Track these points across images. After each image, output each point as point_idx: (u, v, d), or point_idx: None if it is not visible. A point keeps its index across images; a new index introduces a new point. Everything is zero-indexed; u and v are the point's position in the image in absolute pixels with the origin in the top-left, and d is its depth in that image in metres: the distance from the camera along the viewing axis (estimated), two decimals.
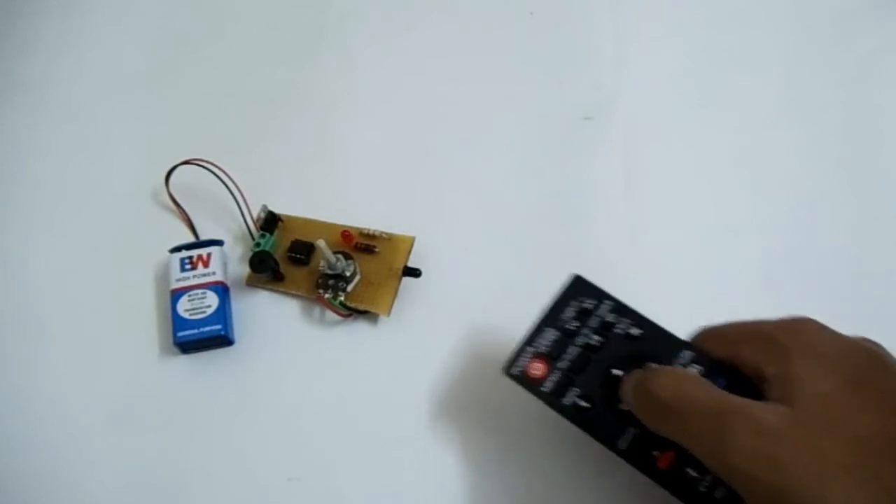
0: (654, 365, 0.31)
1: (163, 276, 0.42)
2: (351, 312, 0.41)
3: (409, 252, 0.42)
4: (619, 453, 0.31)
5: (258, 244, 0.42)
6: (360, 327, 0.41)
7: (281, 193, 0.44)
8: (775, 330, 0.30)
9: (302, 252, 0.42)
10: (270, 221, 0.43)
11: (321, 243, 0.39)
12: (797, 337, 0.29)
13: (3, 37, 0.51)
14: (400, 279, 0.41)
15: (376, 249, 0.42)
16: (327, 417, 0.39)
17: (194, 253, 0.42)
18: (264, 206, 0.43)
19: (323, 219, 0.43)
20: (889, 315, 0.39)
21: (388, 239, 0.42)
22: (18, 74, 0.50)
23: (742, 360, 0.30)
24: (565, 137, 0.46)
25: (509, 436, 0.38)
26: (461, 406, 0.39)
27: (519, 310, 0.37)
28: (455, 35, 0.50)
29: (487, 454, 0.38)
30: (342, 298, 0.40)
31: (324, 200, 0.44)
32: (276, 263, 0.42)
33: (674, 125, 0.46)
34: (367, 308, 0.41)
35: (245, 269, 0.42)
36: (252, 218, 0.43)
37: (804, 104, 0.46)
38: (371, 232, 0.42)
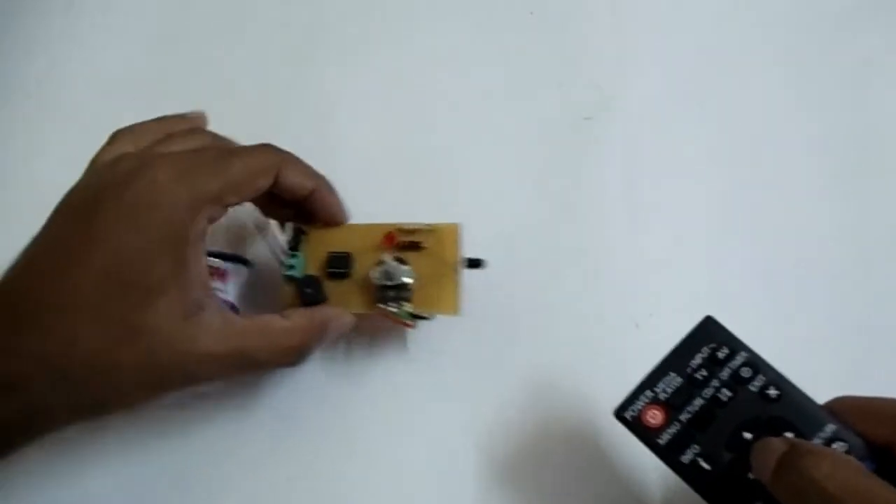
0: (799, 440, 0.28)
1: None
2: (415, 320, 0.38)
3: (459, 241, 0.39)
4: None
5: (291, 267, 0.37)
6: (426, 333, 0.38)
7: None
8: None
9: (342, 265, 0.38)
10: (297, 237, 0.38)
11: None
12: None
13: (3, 37, 0.51)
14: (459, 272, 0.38)
15: (423, 245, 0.38)
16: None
17: (211, 262, 0.37)
18: (290, 226, 0.38)
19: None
20: (889, 315, 0.40)
21: (431, 231, 0.38)
22: (18, 74, 0.50)
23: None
24: (565, 137, 0.46)
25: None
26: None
27: (517, 310, 0.41)
28: (455, 35, 0.50)
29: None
30: (409, 307, 0.37)
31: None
32: (321, 284, 0.37)
33: (674, 125, 0.46)
34: (434, 311, 0.38)
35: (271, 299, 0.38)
36: (275, 232, 0.38)
37: (804, 103, 0.46)
38: (412, 227, 0.38)
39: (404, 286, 0.37)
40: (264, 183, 0.34)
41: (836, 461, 0.26)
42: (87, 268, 0.30)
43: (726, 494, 0.29)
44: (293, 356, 0.35)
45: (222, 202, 0.33)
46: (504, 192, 0.44)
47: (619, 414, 0.31)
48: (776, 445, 0.27)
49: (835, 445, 0.29)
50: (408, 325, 0.37)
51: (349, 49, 0.50)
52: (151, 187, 0.31)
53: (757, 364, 0.31)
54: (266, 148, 0.35)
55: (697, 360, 0.31)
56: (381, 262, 0.37)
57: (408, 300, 0.37)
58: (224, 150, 0.35)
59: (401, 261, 0.37)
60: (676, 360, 0.32)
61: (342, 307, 0.37)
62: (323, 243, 0.38)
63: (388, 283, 0.37)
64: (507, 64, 0.48)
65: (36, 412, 0.30)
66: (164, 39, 0.51)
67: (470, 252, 0.38)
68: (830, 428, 0.29)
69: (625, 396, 0.31)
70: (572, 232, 0.43)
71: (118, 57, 0.50)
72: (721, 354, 0.31)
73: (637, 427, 0.31)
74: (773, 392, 0.30)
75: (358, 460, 0.39)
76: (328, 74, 0.49)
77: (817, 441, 0.29)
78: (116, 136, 0.36)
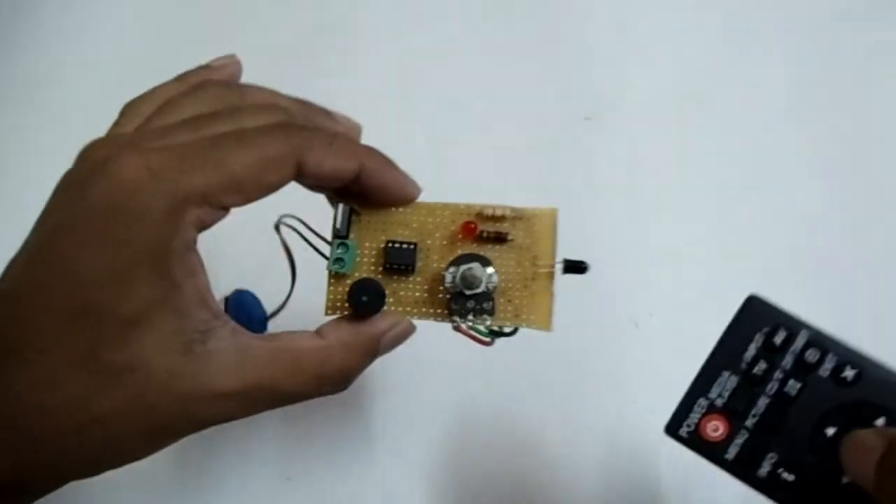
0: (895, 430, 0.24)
1: None
2: (496, 337, 0.29)
3: (555, 232, 0.30)
4: None
5: (339, 260, 0.28)
6: (510, 351, 0.30)
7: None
8: None
9: (405, 259, 0.29)
10: (348, 220, 0.29)
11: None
12: None
13: (3, 37, 0.50)
14: (553, 276, 0.29)
15: (509, 237, 0.29)
16: None
17: None
18: (343, 206, 0.28)
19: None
20: (889, 315, 0.40)
21: (519, 217, 0.30)
22: (18, 75, 0.50)
23: None
24: (565, 137, 0.46)
25: None
26: None
27: None
28: (454, 35, 0.49)
29: None
30: (489, 322, 0.29)
31: None
32: (383, 291, 0.28)
33: (674, 125, 0.46)
34: (519, 324, 0.29)
35: (313, 302, 0.29)
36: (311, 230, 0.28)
37: (804, 103, 0.46)
38: (499, 213, 0.29)
39: (487, 295, 0.28)
40: (277, 177, 0.26)
41: None
42: (45, 298, 0.23)
43: None
44: (331, 384, 0.27)
45: (215, 203, 0.24)
46: (504, 193, 0.39)
47: (673, 431, 0.27)
48: (871, 442, 0.23)
49: None
50: (485, 343, 0.29)
51: (349, 49, 0.49)
52: (116, 188, 0.23)
53: (823, 342, 0.26)
54: (280, 130, 0.26)
55: (751, 351, 0.27)
56: (458, 262, 0.28)
57: (490, 312, 0.28)
58: (224, 133, 0.25)
59: (484, 260, 0.29)
60: (726, 355, 0.27)
61: (400, 312, 0.29)
62: (381, 228, 0.29)
63: (467, 291, 0.28)
64: (506, 64, 0.48)
65: (7, 488, 0.23)
66: (164, 39, 0.49)
67: None
68: None
69: (675, 408, 0.27)
70: (572, 232, 0.40)
71: (118, 57, 0.49)
72: (778, 339, 0.26)
73: (697, 443, 0.26)
74: (849, 373, 0.26)
75: None
76: (327, 75, 0.47)
77: None
78: (125, 111, 0.27)
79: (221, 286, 0.40)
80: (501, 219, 0.29)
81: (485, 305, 0.28)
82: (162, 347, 0.23)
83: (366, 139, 0.45)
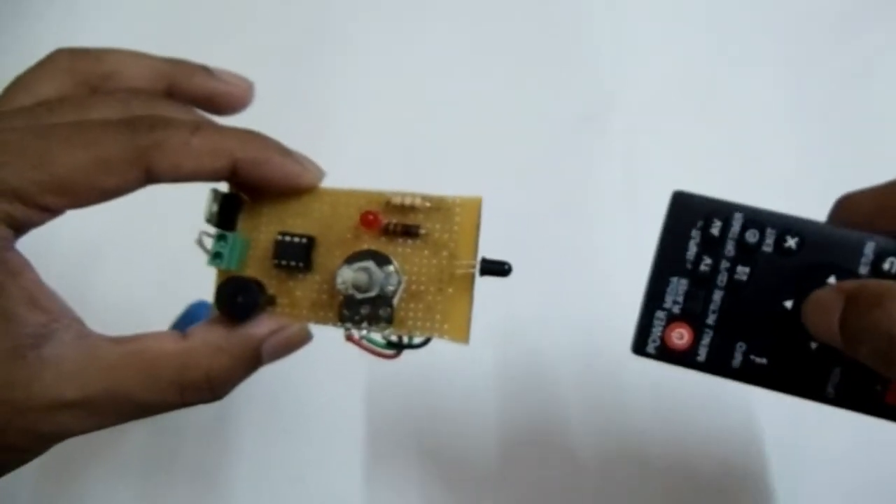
0: (852, 289, 0.23)
1: None
2: (400, 350, 0.25)
3: (479, 225, 0.25)
4: (830, 401, 0.25)
5: (217, 256, 0.25)
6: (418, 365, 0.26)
7: None
8: None
9: (297, 256, 0.25)
10: (228, 209, 0.25)
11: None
12: None
13: (3, 37, 0.50)
14: (474, 277, 0.25)
15: (421, 231, 0.25)
16: None
17: None
18: (213, 190, 0.25)
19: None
20: None
21: (436, 208, 0.25)
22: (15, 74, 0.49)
23: None
24: (565, 138, 0.45)
25: None
26: None
27: (517, 312, 0.40)
28: (454, 36, 0.49)
29: None
30: (389, 332, 0.24)
31: None
32: (262, 289, 0.25)
33: (674, 125, 0.45)
34: (430, 335, 0.25)
35: None
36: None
37: (804, 103, 0.45)
38: (406, 200, 0.25)
39: (384, 299, 0.24)
40: (117, 182, 0.22)
41: None
42: None
43: (799, 377, 0.25)
44: (196, 392, 0.23)
45: (31, 202, 0.21)
46: (504, 193, 0.38)
47: (640, 349, 0.26)
48: (829, 300, 0.23)
49: (886, 265, 0.25)
50: (386, 356, 0.25)
51: (349, 49, 0.48)
52: None
53: (759, 219, 0.26)
54: (126, 127, 0.23)
55: (692, 249, 0.26)
56: (350, 260, 0.24)
57: (388, 320, 0.24)
58: (58, 125, 0.22)
59: (381, 258, 0.24)
60: (668, 260, 0.26)
61: (294, 315, 0.25)
62: (275, 218, 0.26)
63: (359, 295, 0.24)
64: (507, 64, 0.47)
65: None
66: (164, 40, 0.47)
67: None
68: (870, 246, 0.25)
69: (635, 327, 0.26)
70: (572, 232, 0.43)
71: None
72: (715, 230, 0.26)
73: (666, 355, 0.26)
74: (791, 242, 0.25)
75: None
76: (328, 75, 0.47)
77: (864, 270, 0.25)
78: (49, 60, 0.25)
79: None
80: (412, 209, 0.25)
81: (381, 312, 0.24)
82: None
83: (365, 138, 0.45)
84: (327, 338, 0.25)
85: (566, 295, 0.41)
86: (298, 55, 0.48)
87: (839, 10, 0.48)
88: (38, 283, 0.22)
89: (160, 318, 0.34)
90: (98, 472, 0.38)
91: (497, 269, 0.24)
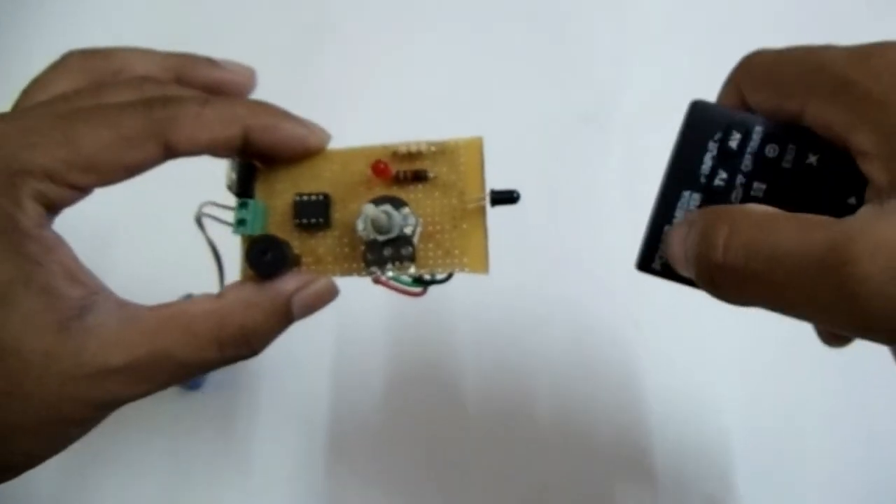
0: (692, 213, 0.24)
1: None
2: (426, 286, 0.26)
3: (483, 163, 0.27)
4: None
5: (241, 222, 0.26)
6: (445, 298, 0.28)
7: None
8: (849, 67, 0.21)
9: (316, 213, 0.26)
10: (245, 177, 0.27)
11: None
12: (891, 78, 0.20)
13: (3, 37, 0.50)
14: (485, 209, 0.26)
15: (429, 174, 0.26)
16: None
17: None
18: (233, 159, 0.26)
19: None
20: None
21: (441, 152, 0.26)
22: (19, 76, 0.46)
23: (811, 119, 0.22)
24: (565, 138, 0.46)
25: None
26: None
27: (519, 311, 0.41)
28: (454, 36, 0.49)
29: None
30: (412, 270, 0.26)
31: None
32: (288, 246, 0.26)
33: (674, 125, 0.46)
34: (452, 269, 0.26)
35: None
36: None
37: None
38: (412, 148, 0.26)
39: (404, 239, 0.25)
40: (139, 157, 0.24)
41: (732, 223, 0.22)
42: None
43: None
44: (234, 346, 0.24)
45: (60, 180, 0.23)
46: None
47: (645, 266, 0.25)
48: (679, 235, 0.24)
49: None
50: (414, 294, 0.26)
51: (349, 49, 0.48)
52: None
53: (781, 133, 0.24)
54: (142, 105, 0.24)
55: (708, 162, 0.25)
56: (368, 207, 0.26)
57: (411, 259, 0.26)
58: (79, 108, 0.23)
59: (397, 202, 0.26)
60: (682, 172, 0.25)
61: (320, 271, 0.26)
62: (290, 182, 0.27)
63: (380, 237, 0.25)
64: (507, 64, 0.47)
65: None
66: (163, 40, 0.49)
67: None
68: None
69: (642, 242, 0.25)
70: (572, 232, 0.43)
71: None
72: (733, 143, 0.24)
73: (672, 273, 0.25)
74: (812, 159, 0.24)
75: None
76: (328, 74, 0.47)
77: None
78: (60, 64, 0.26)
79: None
80: (420, 156, 0.26)
81: (403, 251, 0.25)
82: (33, 328, 0.22)
83: (365, 138, 0.45)
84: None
85: (565, 294, 0.41)
86: (298, 55, 0.48)
87: (839, 10, 0.48)
88: (75, 259, 0.23)
89: None
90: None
91: (506, 197, 0.26)
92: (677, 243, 0.24)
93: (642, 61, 0.47)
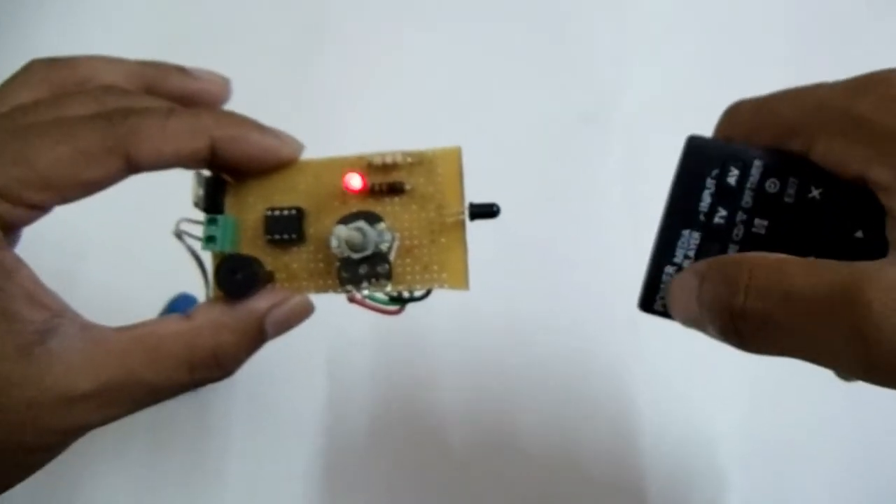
0: (700, 263, 0.23)
1: None
2: (404, 304, 0.25)
3: (461, 174, 0.25)
4: None
5: (211, 239, 0.25)
6: (426, 317, 0.26)
7: None
8: (854, 102, 0.21)
9: (288, 229, 0.25)
10: (214, 192, 0.25)
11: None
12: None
13: (4, 38, 0.49)
14: (464, 223, 0.25)
15: (406, 187, 0.25)
16: None
17: None
18: (196, 173, 0.25)
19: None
20: None
21: (418, 162, 0.25)
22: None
23: (820, 157, 0.22)
24: (565, 138, 0.45)
25: None
26: None
27: (521, 310, 0.41)
28: (454, 36, 0.48)
29: None
30: (389, 288, 0.25)
31: None
32: (259, 264, 0.25)
33: (674, 125, 0.44)
34: (430, 286, 0.25)
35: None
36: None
37: None
38: (387, 159, 0.25)
39: (380, 256, 0.24)
40: (100, 173, 0.23)
41: (748, 270, 0.21)
42: None
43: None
44: (205, 369, 0.24)
45: (15, 199, 0.22)
46: (503, 193, 0.37)
47: (647, 306, 0.25)
48: (686, 285, 0.23)
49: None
50: (390, 313, 0.25)
51: (349, 49, 0.48)
52: None
53: (781, 166, 0.23)
54: (102, 119, 0.23)
55: (706, 200, 0.24)
56: (342, 222, 0.25)
57: (388, 276, 0.24)
58: (34, 124, 0.22)
59: (372, 217, 0.25)
60: (680, 212, 0.24)
61: (294, 288, 0.25)
62: (261, 196, 0.26)
63: (355, 255, 0.24)
64: (507, 64, 0.47)
65: None
66: (163, 40, 0.47)
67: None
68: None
69: (643, 282, 0.25)
70: (572, 232, 0.43)
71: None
72: (732, 179, 0.24)
73: None
74: (815, 193, 0.23)
75: None
76: (328, 74, 0.47)
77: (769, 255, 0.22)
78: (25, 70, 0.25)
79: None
80: (395, 167, 0.25)
81: (379, 269, 0.24)
82: None
83: (365, 138, 0.44)
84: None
85: (565, 294, 0.41)
86: (298, 55, 0.48)
87: (839, 10, 0.47)
88: (36, 280, 0.22)
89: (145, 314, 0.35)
90: None
91: (486, 211, 0.25)
92: (683, 294, 0.23)
93: (642, 61, 0.47)
